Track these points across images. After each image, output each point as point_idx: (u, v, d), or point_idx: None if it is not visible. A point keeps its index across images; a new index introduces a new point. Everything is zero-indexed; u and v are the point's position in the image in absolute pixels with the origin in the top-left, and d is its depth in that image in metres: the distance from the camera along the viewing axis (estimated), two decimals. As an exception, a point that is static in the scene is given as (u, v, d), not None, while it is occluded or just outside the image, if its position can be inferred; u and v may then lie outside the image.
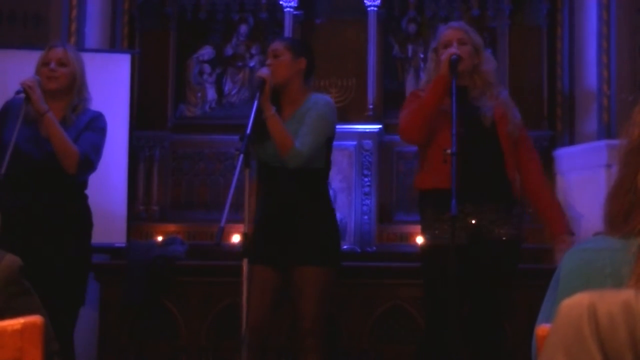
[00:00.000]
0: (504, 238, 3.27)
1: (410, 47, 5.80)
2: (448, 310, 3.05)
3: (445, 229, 3.18)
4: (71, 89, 3.39)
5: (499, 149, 3.32)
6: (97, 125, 3.45)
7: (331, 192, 5.55)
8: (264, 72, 3.27)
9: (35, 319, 1.33)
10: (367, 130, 5.50)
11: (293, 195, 3.33)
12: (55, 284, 3.23)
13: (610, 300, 1.02)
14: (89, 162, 3.36)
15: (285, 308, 3.56)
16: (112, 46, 5.58)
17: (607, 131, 5.02)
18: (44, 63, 3.38)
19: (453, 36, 3.39)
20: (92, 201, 3.56)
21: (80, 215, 3.44)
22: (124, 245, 4.72)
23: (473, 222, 3.24)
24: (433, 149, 3.31)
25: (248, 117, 3.09)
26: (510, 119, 3.36)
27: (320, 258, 3.29)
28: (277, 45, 3.44)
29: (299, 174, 3.32)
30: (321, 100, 3.43)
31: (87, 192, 3.55)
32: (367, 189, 5.48)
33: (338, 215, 5.53)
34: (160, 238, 4.97)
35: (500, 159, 3.32)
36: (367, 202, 5.45)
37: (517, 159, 3.37)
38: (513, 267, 3.34)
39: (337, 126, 5.69)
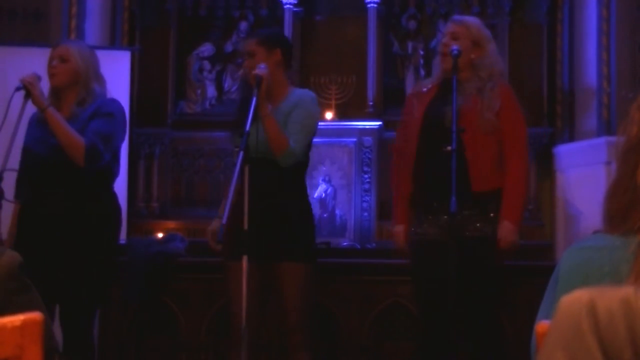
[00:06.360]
0: (477, 234, 3.28)
1: (410, 44, 5.80)
2: (445, 307, 3.07)
3: (420, 225, 3.30)
4: (76, 84, 3.37)
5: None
6: (104, 111, 3.31)
7: (331, 188, 5.55)
8: (261, 69, 3.15)
9: (35, 315, 1.32)
10: (367, 127, 5.50)
11: (272, 189, 3.22)
12: (70, 282, 3.22)
13: (610, 297, 1.02)
14: (97, 151, 3.24)
15: (272, 304, 3.55)
16: (112, 43, 5.58)
17: (607, 128, 5.02)
18: (48, 62, 3.40)
19: (447, 30, 3.39)
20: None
21: (97, 211, 3.33)
22: (123, 242, 4.72)
23: (445, 217, 3.22)
24: (406, 157, 3.34)
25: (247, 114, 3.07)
26: (481, 125, 3.28)
27: (300, 254, 3.26)
28: (249, 45, 3.32)
29: (278, 167, 3.23)
30: (307, 97, 3.34)
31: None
32: (367, 186, 5.48)
33: (338, 212, 5.57)
34: (160, 235, 4.97)
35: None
36: (367, 198, 5.46)
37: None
38: (489, 263, 3.33)
39: (337, 123, 5.66)
